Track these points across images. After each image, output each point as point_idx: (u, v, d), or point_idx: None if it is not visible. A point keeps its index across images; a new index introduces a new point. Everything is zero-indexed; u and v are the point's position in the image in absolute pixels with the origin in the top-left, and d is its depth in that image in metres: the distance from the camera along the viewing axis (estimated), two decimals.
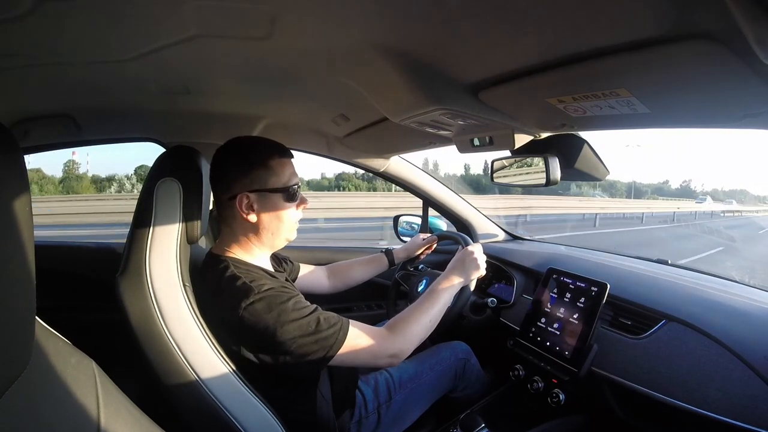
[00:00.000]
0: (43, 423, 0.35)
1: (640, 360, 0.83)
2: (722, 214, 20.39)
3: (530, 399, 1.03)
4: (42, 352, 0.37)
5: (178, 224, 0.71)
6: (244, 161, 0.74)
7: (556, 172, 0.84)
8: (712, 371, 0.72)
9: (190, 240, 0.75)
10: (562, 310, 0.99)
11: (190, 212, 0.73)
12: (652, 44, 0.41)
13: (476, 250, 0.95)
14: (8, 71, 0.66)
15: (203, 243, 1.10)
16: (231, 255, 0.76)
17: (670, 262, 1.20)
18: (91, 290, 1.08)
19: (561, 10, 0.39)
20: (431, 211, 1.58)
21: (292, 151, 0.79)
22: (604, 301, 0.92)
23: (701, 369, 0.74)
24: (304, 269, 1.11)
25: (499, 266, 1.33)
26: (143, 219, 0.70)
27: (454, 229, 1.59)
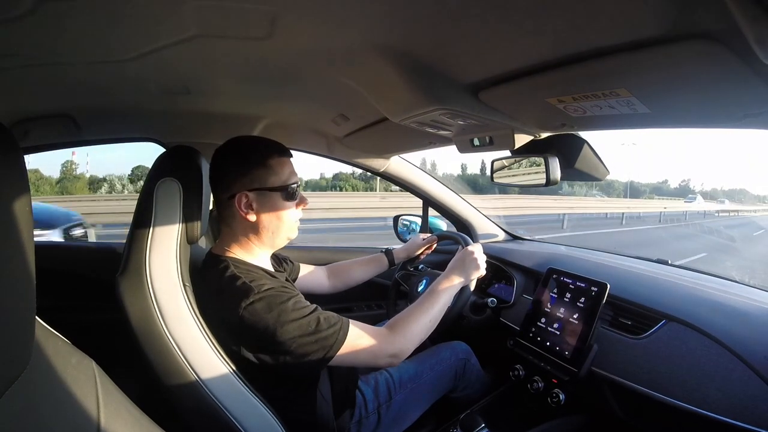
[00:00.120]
0: (43, 423, 0.35)
1: (640, 360, 0.83)
2: (717, 214, 19.60)
3: (530, 399, 1.03)
4: (42, 352, 0.37)
5: (178, 224, 0.71)
6: (243, 160, 0.74)
7: (556, 172, 0.84)
8: (712, 371, 0.72)
9: (190, 240, 0.75)
10: (562, 310, 0.99)
11: (190, 212, 0.73)
12: (652, 44, 0.41)
13: (476, 250, 0.95)
14: (8, 71, 0.66)
15: (203, 243, 1.10)
16: (231, 255, 0.76)
17: (670, 262, 1.20)
18: (91, 290, 1.08)
19: (561, 10, 0.39)
20: (431, 211, 1.58)
21: (292, 151, 0.79)
22: (604, 301, 0.92)
23: (701, 369, 0.74)
24: (304, 269, 1.11)
25: (499, 266, 1.33)
26: (143, 219, 0.70)
27: (454, 229, 1.59)
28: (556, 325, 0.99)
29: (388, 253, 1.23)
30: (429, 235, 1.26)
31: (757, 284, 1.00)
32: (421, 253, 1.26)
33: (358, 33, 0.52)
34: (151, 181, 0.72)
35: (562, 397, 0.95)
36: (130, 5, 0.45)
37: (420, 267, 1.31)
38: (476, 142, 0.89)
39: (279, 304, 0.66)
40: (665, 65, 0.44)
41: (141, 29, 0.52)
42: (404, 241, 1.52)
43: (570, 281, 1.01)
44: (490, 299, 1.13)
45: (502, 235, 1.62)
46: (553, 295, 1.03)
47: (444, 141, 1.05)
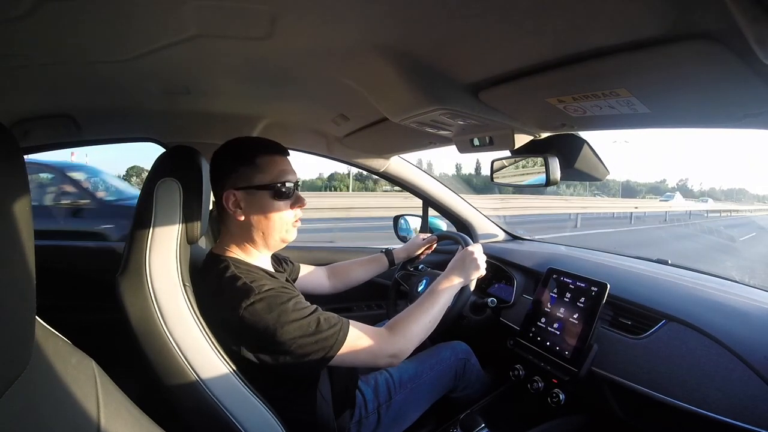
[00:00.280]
0: (43, 423, 0.35)
1: (640, 360, 0.83)
2: (706, 215, 18.60)
3: (530, 399, 1.03)
4: (42, 352, 0.37)
5: (178, 224, 0.71)
6: (233, 159, 0.74)
7: (556, 172, 0.84)
8: (712, 371, 0.72)
9: (190, 240, 0.75)
10: (562, 310, 0.99)
11: (190, 212, 0.73)
12: (652, 44, 0.41)
13: (476, 250, 0.95)
14: (8, 71, 0.66)
15: (203, 243, 1.10)
16: (231, 255, 0.76)
17: (670, 262, 1.20)
18: (91, 290, 1.08)
19: (561, 10, 0.40)
20: (431, 211, 1.58)
21: (291, 152, 0.79)
22: (604, 301, 0.92)
23: (701, 369, 0.74)
24: (305, 269, 1.11)
25: (499, 266, 1.33)
26: (143, 219, 0.70)
27: (454, 229, 1.59)
28: (556, 325, 0.98)
29: (388, 253, 1.23)
30: (429, 235, 1.26)
31: (757, 284, 1.00)
32: (421, 253, 1.26)
33: (358, 33, 0.52)
34: (151, 181, 0.72)
35: (562, 397, 0.95)
36: (129, 5, 0.45)
37: (420, 267, 1.31)
38: (476, 142, 0.89)
39: (279, 304, 0.66)
40: (665, 65, 0.44)
41: (141, 29, 0.52)
42: (404, 241, 1.53)
43: (570, 281, 1.01)
44: (490, 299, 1.13)
45: (502, 235, 1.62)
46: (553, 295, 1.03)
47: (444, 141, 1.05)
